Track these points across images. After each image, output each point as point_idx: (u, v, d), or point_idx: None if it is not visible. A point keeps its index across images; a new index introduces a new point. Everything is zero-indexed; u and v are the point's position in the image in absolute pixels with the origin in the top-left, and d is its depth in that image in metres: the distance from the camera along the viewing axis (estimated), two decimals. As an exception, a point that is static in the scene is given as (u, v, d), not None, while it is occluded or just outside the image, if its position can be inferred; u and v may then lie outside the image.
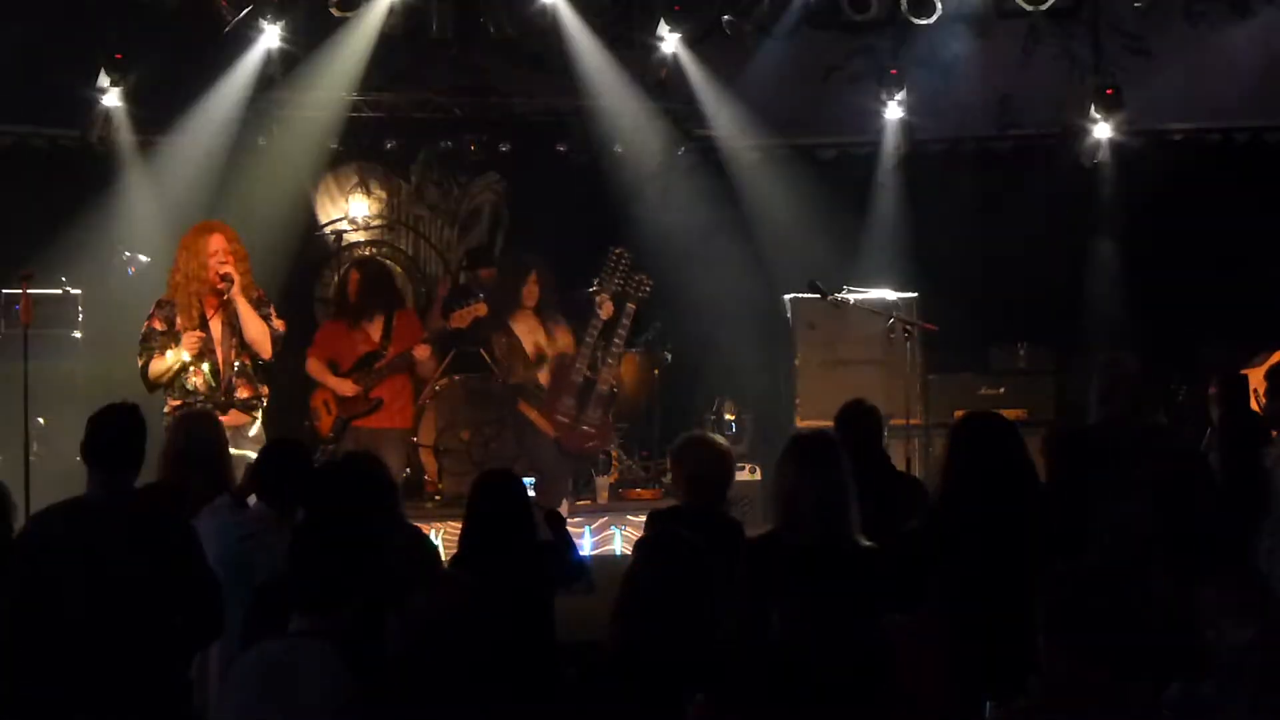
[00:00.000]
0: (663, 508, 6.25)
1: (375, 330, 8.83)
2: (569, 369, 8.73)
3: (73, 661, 4.57)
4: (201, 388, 7.45)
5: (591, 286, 8.98)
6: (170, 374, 7.47)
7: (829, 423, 6.27)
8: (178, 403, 7.41)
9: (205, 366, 7.47)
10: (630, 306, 8.74)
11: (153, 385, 7.49)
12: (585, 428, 8.70)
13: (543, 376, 8.89)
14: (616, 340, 8.77)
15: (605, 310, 8.73)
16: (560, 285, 9.48)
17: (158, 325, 7.50)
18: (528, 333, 8.96)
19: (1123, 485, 5.28)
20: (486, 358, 10.07)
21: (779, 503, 4.82)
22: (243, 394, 7.54)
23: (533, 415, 8.83)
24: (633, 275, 8.72)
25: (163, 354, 7.44)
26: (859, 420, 6.14)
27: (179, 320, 7.47)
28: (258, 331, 7.52)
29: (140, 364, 7.52)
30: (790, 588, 4.48)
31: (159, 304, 7.58)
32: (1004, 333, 10.72)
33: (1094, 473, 5.40)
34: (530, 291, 8.98)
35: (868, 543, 4.67)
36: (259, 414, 7.62)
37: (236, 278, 7.47)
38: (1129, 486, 5.28)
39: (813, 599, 4.44)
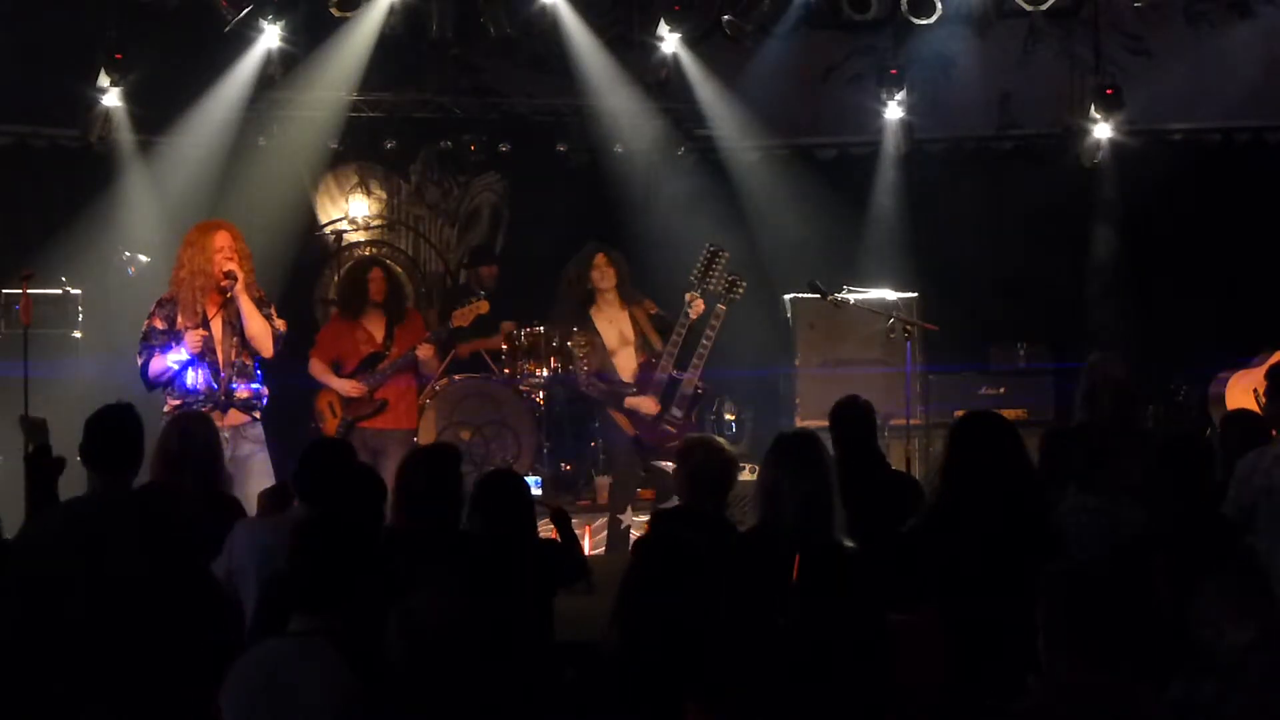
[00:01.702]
0: (667, 508, 6.24)
1: (378, 331, 8.83)
2: (654, 368, 8.52)
3: (73, 662, 4.56)
4: (201, 387, 7.45)
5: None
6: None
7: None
8: (177, 402, 7.40)
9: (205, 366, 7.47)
10: (720, 308, 8.41)
11: (152, 384, 7.48)
12: (667, 426, 8.49)
13: (626, 365, 8.65)
14: (704, 342, 8.47)
15: (695, 309, 8.35)
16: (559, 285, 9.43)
17: (158, 324, 7.49)
18: (609, 322, 8.68)
19: (1100, 484, 5.29)
20: (489, 359, 10.05)
21: (761, 500, 4.84)
22: (243, 394, 7.53)
23: (611, 411, 8.64)
24: (726, 275, 8.49)
25: (163, 353, 7.43)
26: (852, 418, 6.14)
27: (180, 318, 7.46)
28: (259, 329, 7.51)
29: (140, 363, 7.51)
30: (784, 586, 4.48)
31: (159, 303, 7.57)
32: (1004, 333, 10.72)
33: (1072, 471, 5.40)
34: (603, 274, 8.63)
35: (850, 543, 4.67)
36: (259, 414, 7.61)
37: (241, 275, 7.46)
38: (1106, 485, 5.29)
39: (806, 597, 4.44)
